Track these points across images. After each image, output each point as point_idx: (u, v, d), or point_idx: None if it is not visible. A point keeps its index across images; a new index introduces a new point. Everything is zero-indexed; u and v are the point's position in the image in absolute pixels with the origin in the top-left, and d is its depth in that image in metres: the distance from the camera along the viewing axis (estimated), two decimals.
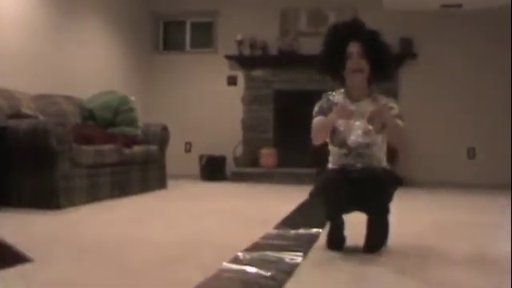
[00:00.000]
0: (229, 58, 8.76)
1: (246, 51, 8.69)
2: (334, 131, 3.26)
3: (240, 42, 8.62)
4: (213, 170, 8.58)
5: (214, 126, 8.83)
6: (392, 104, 3.28)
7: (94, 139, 5.66)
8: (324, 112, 3.28)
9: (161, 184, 7.00)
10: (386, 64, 3.28)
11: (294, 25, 8.77)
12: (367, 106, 3.21)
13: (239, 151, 8.70)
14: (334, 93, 3.38)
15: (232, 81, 8.91)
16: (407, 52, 8.19)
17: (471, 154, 8.27)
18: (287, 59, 8.58)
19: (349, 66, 3.21)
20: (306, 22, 8.73)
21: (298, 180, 7.91)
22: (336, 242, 3.28)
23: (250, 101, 8.84)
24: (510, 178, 7.82)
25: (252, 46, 8.64)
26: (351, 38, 3.22)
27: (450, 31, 8.28)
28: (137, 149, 6.45)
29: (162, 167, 7.06)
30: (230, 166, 8.65)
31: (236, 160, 8.64)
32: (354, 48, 3.20)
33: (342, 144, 3.26)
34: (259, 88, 8.82)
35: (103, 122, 6.54)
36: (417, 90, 8.34)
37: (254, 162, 8.58)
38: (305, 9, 8.66)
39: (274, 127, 8.78)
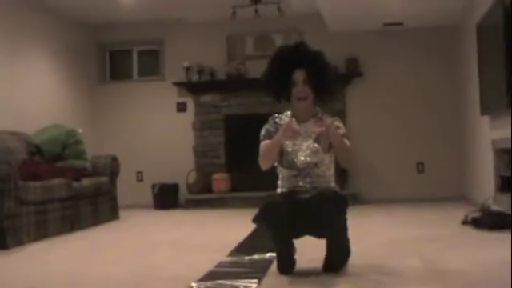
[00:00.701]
0: (177, 84, 8.73)
1: (194, 77, 8.67)
2: (282, 153, 3.28)
3: (187, 69, 8.60)
4: (166, 198, 8.49)
5: (165, 154, 8.75)
6: (338, 123, 3.33)
7: (42, 175, 5.54)
8: (270, 136, 3.31)
9: (112, 215, 6.88)
10: (329, 87, 3.35)
11: (241, 49, 8.80)
12: (313, 127, 3.26)
13: (192, 178, 8.63)
14: (280, 115, 3.41)
15: (181, 107, 8.87)
16: (353, 71, 8.30)
17: (420, 168, 8.40)
18: (235, 84, 8.59)
19: (294, 94, 3.28)
20: (253, 46, 8.77)
21: (251, 204, 7.86)
22: (284, 266, 3.28)
23: (200, 127, 8.80)
24: (458, 190, 7.97)
25: (200, 72, 8.63)
26: (296, 65, 3.27)
27: (393, 49, 8.43)
28: (86, 182, 6.34)
29: (113, 198, 6.95)
30: (184, 194, 8.57)
31: (189, 187, 8.56)
32: (299, 76, 3.28)
33: (291, 165, 3.28)
34: (209, 113, 8.80)
35: (51, 157, 6.42)
36: (364, 108, 8.45)
37: (207, 187, 8.52)
38: (250, 33, 8.70)
39: (226, 152, 8.76)
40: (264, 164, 3.29)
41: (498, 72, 5.33)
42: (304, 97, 3.27)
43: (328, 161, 3.33)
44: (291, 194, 3.25)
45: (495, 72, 5.47)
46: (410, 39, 8.37)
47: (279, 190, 3.39)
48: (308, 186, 3.28)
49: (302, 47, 3.37)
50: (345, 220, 3.21)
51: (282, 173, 3.39)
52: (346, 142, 3.25)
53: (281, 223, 3.12)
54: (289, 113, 3.41)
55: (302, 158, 3.28)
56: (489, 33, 5.79)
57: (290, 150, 3.29)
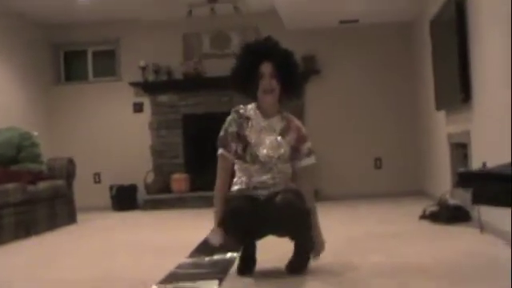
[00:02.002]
0: (133, 84, 8.62)
1: (151, 77, 8.58)
2: (245, 147, 3.27)
3: (144, 68, 8.50)
4: (124, 199, 8.38)
5: (122, 155, 8.63)
6: (304, 132, 3.38)
7: None
8: (226, 141, 3.32)
9: (70, 219, 6.76)
10: (295, 84, 3.35)
11: (198, 48, 8.73)
12: (277, 123, 3.30)
13: (150, 178, 8.55)
14: (245, 107, 3.38)
15: (138, 108, 8.77)
16: (311, 69, 8.32)
17: (378, 164, 8.48)
18: (193, 83, 8.54)
19: (261, 86, 3.26)
20: (209, 45, 8.72)
21: (211, 203, 7.82)
22: (244, 266, 3.27)
23: (157, 127, 8.72)
24: (416, 185, 8.08)
25: (156, 71, 8.54)
26: (264, 58, 3.25)
27: (349, 46, 8.48)
28: (42, 185, 6.22)
29: (70, 201, 6.83)
30: (142, 194, 8.49)
31: (147, 187, 8.48)
32: (266, 69, 3.25)
33: (254, 159, 3.27)
34: (166, 113, 8.72)
35: (5, 160, 6.27)
36: (322, 105, 8.48)
37: (166, 188, 8.45)
38: (207, 31, 8.64)
39: (185, 152, 8.69)
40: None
41: (451, 67, 5.41)
42: (271, 89, 3.26)
43: (287, 157, 3.33)
44: (252, 200, 3.21)
45: (449, 67, 5.55)
46: (366, 36, 8.44)
47: (236, 188, 3.36)
48: (270, 181, 3.27)
49: (270, 42, 3.37)
50: (309, 223, 3.19)
51: (241, 167, 3.36)
52: (311, 159, 3.38)
53: (242, 227, 3.11)
54: (253, 104, 3.38)
55: (265, 151, 3.26)
56: (442, 29, 5.86)
57: (253, 142, 3.28)
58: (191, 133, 8.68)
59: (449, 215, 5.13)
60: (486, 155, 4.39)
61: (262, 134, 3.26)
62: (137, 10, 8.06)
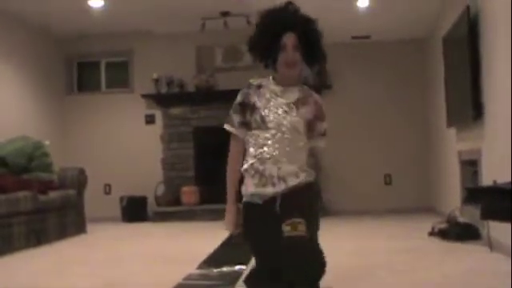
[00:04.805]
0: (146, 96, 8.67)
1: (163, 89, 8.64)
2: (252, 112, 2.91)
3: (156, 81, 8.56)
4: (134, 211, 8.41)
5: (133, 167, 8.67)
6: (323, 110, 3.00)
7: (7, 187, 5.45)
8: (231, 116, 2.97)
9: (80, 229, 6.79)
10: (318, 53, 3.07)
11: (210, 61, 8.79)
12: (293, 92, 2.92)
13: (160, 190, 8.57)
14: (256, 81, 3.01)
15: (150, 119, 8.82)
16: (322, 83, 8.34)
17: (388, 180, 8.47)
18: (205, 96, 8.58)
19: (282, 59, 2.91)
20: (222, 58, 8.77)
21: (220, 216, 7.84)
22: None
23: (169, 139, 8.76)
24: (425, 202, 8.06)
25: (169, 83, 8.59)
26: (286, 28, 2.90)
27: (361, 62, 8.52)
28: (53, 194, 6.25)
29: (80, 212, 6.86)
30: (152, 206, 8.51)
31: (157, 199, 8.50)
32: (288, 40, 2.90)
33: (261, 124, 2.88)
34: (178, 126, 8.76)
35: (17, 169, 6.31)
36: (333, 119, 8.37)
37: (176, 200, 8.47)
38: (220, 45, 8.70)
39: (195, 164, 8.72)
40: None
41: (463, 84, 5.41)
42: (293, 62, 2.90)
43: (303, 133, 2.92)
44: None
45: (461, 84, 5.56)
46: (378, 52, 8.46)
47: (245, 166, 2.91)
48: (276, 153, 2.84)
49: (292, 9, 2.93)
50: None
51: (249, 140, 2.93)
52: (322, 142, 3.03)
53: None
54: (270, 78, 2.99)
55: (272, 115, 2.90)
56: (454, 46, 5.88)
57: (260, 105, 2.91)
58: (202, 146, 8.70)
59: (458, 232, 5.12)
60: (496, 173, 4.38)
61: (272, 99, 2.94)
62: (150, 22, 8.12)
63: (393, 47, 8.43)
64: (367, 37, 8.14)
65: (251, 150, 2.90)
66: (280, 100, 2.89)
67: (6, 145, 6.47)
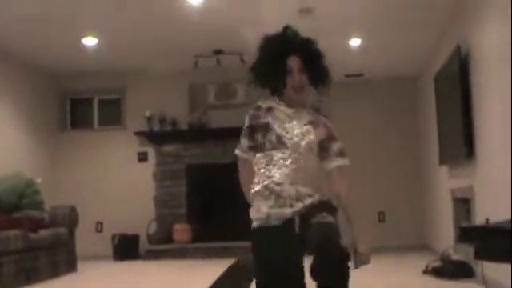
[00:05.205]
0: (138, 134, 8.67)
1: (156, 127, 8.65)
2: (266, 134, 2.85)
3: (149, 118, 8.57)
4: (125, 249, 8.33)
5: (125, 204, 8.61)
6: (333, 131, 2.96)
7: None
8: (247, 136, 2.91)
9: (70, 267, 6.71)
10: (323, 74, 3.05)
11: (203, 99, 8.81)
12: (305, 115, 2.93)
13: (152, 228, 8.51)
14: (264, 103, 2.98)
15: (143, 157, 8.80)
16: None
17: (381, 217, 8.45)
18: (197, 133, 8.58)
19: (290, 83, 2.90)
20: (215, 96, 8.80)
21: (213, 255, 7.79)
22: None
23: (161, 176, 8.73)
24: (419, 239, 8.03)
25: (161, 121, 8.61)
26: (289, 52, 2.91)
27: (354, 99, 8.56)
28: (44, 233, 6.19)
29: (71, 250, 6.80)
30: (144, 244, 8.43)
31: (149, 237, 8.43)
32: (294, 63, 2.90)
33: (276, 145, 2.83)
34: (171, 163, 8.74)
35: (7, 207, 6.26)
36: None
37: (168, 238, 8.40)
38: (213, 83, 8.74)
39: (188, 202, 8.67)
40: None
41: (455, 122, 5.44)
42: (301, 86, 2.89)
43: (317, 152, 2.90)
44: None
45: (453, 122, 5.59)
46: (371, 90, 8.53)
47: (256, 188, 2.83)
48: (293, 174, 2.77)
49: (291, 33, 2.95)
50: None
51: (260, 162, 2.85)
52: (343, 161, 2.95)
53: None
54: (277, 100, 2.96)
55: (290, 135, 2.84)
56: (446, 84, 5.93)
57: (275, 127, 2.84)
58: (195, 183, 8.67)
59: (452, 271, 5.09)
60: (488, 210, 4.38)
61: (286, 121, 2.87)
62: (143, 60, 8.17)
63: (385, 85, 8.50)
64: (360, 75, 8.21)
65: (263, 171, 2.82)
66: (294, 122, 2.86)
67: None
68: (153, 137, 8.69)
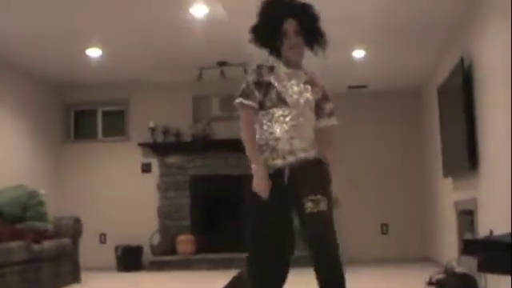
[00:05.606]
0: (142, 145, 8.69)
1: (160, 138, 8.66)
2: (267, 92, 3.05)
3: (153, 130, 8.59)
4: (129, 260, 8.32)
5: (129, 216, 8.61)
6: (327, 91, 3.22)
7: (0, 237, 5.40)
8: (249, 90, 3.09)
9: (74, 278, 6.69)
10: (319, 37, 3.16)
11: (207, 110, 8.83)
12: (302, 75, 3.13)
13: (156, 240, 8.50)
14: (267, 62, 3.16)
15: (146, 168, 8.81)
16: None
17: (385, 229, 8.43)
18: (201, 145, 8.59)
19: (286, 44, 3.10)
20: (219, 107, 8.81)
21: (217, 266, 7.78)
22: None
23: (165, 188, 8.73)
24: (423, 252, 8.01)
25: (165, 132, 8.62)
26: (286, 15, 3.10)
27: (357, 111, 8.56)
28: (47, 244, 6.18)
29: (75, 261, 6.78)
30: (147, 255, 8.42)
31: (153, 249, 8.43)
32: (290, 26, 3.08)
33: (277, 103, 3.04)
34: (174, 175, 8.75)
35: (11, 218, 6.27)
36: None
37: (172, 249, 8.40)
38: (216, 94, 8.75)
39: (191, 213, 8.67)
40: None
41: (459, 134, 5.44)
42: (296, 47, 3.09)
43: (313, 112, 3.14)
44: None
45: (456, 134, 5.59)
46: (374, 102, 8.53)
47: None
48: (290, 129, 3.01)
49: None
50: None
51: (262, 119, 3.09)
52: (333, 121, 3.24)
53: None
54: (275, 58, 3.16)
55: (290, 93, 3.07)
56: (449, 96, 5.93)
57: (276, 84, 3.06)
58: (198, 194, 8.68)
59: (456, 283, 5.06)
60: (492, 222, 4.37)
61: (285, 80, 3.08)
62: (147, 71, 8.20)
63: (388, 97, 8.51)
64: (364, 86, 8.22)
65: (265, 128, 3.05)
66: (293, 80, 3.08)
67: (1, 194, 6.45)
68: (156, 148, 8.70)
